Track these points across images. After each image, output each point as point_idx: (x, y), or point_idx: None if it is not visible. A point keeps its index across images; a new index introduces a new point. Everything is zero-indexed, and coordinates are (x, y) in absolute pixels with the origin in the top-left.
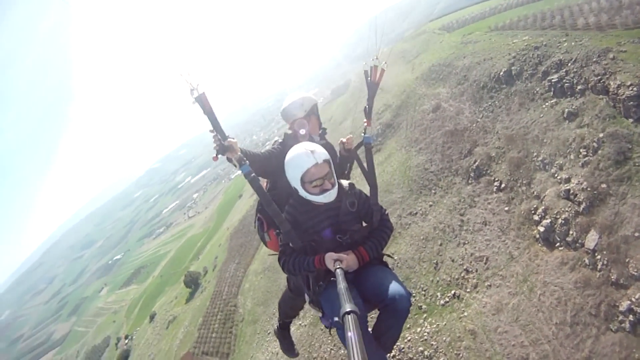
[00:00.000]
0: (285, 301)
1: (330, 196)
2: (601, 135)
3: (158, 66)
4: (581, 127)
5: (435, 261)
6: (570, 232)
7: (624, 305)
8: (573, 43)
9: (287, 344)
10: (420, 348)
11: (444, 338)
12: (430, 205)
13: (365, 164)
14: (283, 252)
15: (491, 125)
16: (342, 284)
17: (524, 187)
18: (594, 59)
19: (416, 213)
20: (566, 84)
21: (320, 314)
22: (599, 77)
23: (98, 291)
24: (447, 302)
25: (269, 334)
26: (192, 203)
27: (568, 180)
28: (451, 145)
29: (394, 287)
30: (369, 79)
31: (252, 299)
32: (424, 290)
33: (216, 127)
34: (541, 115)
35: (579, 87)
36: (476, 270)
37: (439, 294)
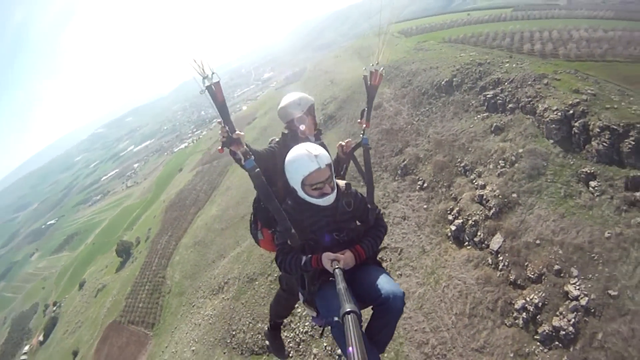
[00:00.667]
0: (278, 301)
1: (328, 200)
2: (521, 150)
3: (171, 51)
4: (504, 141)
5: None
6: (478, 234)
7: (519, 303)
8: (514, 65)
9: (277, 345)
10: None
11: None
12: None
13: (362, 165)
14: (280, 251)
15: (424, 129)
16: (341, 284)
17: (444, 189)
18: (529, 82)
19: None
20: (499, 101)
21: (314, 314)
22: (530, 99)
23: (29, 256)
24: None
25: (193, 306)
26: (132, 173)
27: (483, 187)
28: (385, 143)
29: (389, 287)
30: (369, 82)
31: (180, 271)
32: None
33: (226, 118)
34: (471, 126)
35: (510, 105)
36: (390, 260)
37: None
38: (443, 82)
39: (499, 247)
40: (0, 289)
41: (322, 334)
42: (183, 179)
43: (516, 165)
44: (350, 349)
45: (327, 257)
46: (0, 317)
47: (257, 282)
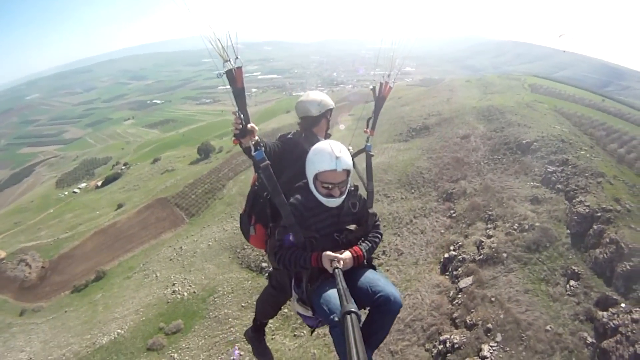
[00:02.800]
0: (266, 299)
1: (333, 203)
2: (537, 224)
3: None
4: (532, 212)
5: None
6: (459, 270)
7: (444, 337)
8: (588, 155)
9: (261, 348)
10: None
11: None
12: (402, 198)
13: (362, 170)
14: (281, 246)
15: (484, 172)
16: (341, 284)
17: (464, 225)
18: (586, 174)
19: (389, 196)
20: (553, 178)
21: (309, 313)
22: (576, 189)
23: (124, 119)
24: None
25: (231, 217)
26: (247, 94)
27: (489, 237)
28: (449, 168)
29: (388, 288)
30: (379, 93)
31: (239, 187)
32: None
33: (242, 107)
34: (519, 188)
35: (558, 186)
36: (389, 256)
37: None
38: (524, 142)
39: (464, 287)
40: (86, 134)
41: (312, 333)
42: (284, 119)
43: (524, 233)
44: (350, 349)
45: (327, 257)
46: (73, 154)
47: None
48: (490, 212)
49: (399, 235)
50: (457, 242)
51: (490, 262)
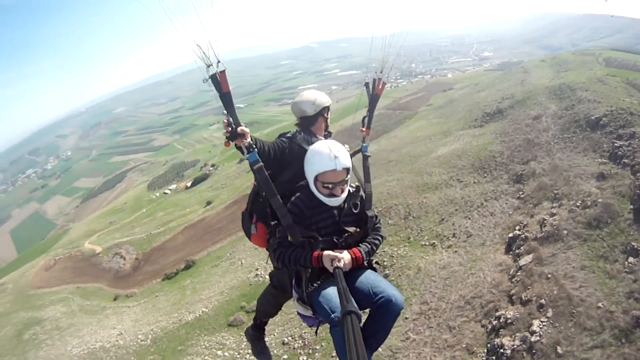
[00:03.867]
0: (268, 298)
1: (335, 202)
2: (600, 200)
3: (171, 30)
4: (596, 188)
5: (443, 217)
6: (521, 248)
7: (499, 313)
8: None
9: (260, 347)
10: (385, 260)
11: (402, 262)
12: (474, 182)
13: (361, 172)
14: (281, 244)
15: (554, 152)
16: (342, 284)
17: (531, 205)
18: None
19: (462, 181)
20: (619, 152)
21: (309, 313)
22: None
23: (209, 124)
24: (426, 244)
25: None
26: (327, 92)
27: (552, 215)
28: (520, 150)
29: (390, 289)
30: (372, 90)
31: None
32: (420, 230)
33: (230, 110)
34: (587, 165)
35: (624, 160)
36: (459, 238)
37: (426, 237)
38: (593, 118)
39: (523, 265)
40: (174, 140)
41: (316, 332)
42: (365, 114)
43: (586, 210)
44: (350, 349)
45: (327, 256)
46: (163, 160)
47: None
48: (556, 191)
49: (469, 219)
50: (523, 222)
51: (551, 239)
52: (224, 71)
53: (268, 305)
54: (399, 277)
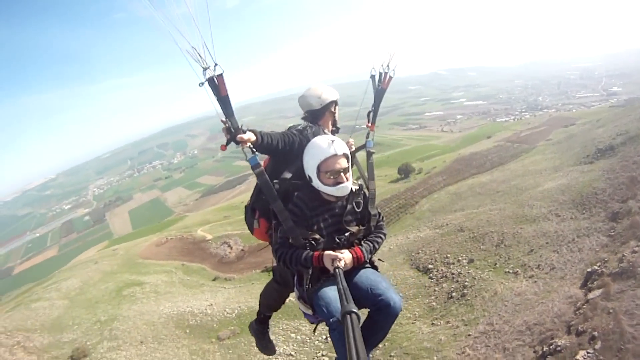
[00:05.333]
0: (270, 293)
1: (343, 190)
2: None
3: (161, 33)
4: None
5: (532, 248)
6: (594, 282)
7: (553, 341)
8: None
9: (265, 341)
10: (467, 280)
11: (482, 284)
12: (571, 218)
13: (363, 168)
14: (282, 244)
15: None
16: (342, 284)
17: (618, 244)
18: None
19: (559, 215)
20: None
21: (309, 311)
22: None
23: None
24: (509, 272)
25: (416, 228)
26: (452, 120)
27: (634, 252)
28: (622, 188)
29: (389, 293)
30: (378, 85)
31: (430, 205)
32: (508, 257)
33: (228, 114)
34: None
35: None
36: (542, 270)
37: (512, 265)
38: None
39: (591, 299)
40: None
41: (315, 330)
42: (484, 145)
43: None
44: (350, 349)
45: (328, 256)
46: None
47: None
48: None
49: (557, 252)
50: (605, 259)
51: (624, 276)
52: (221, 74)
53: (271, 299)
54: (475, 297)
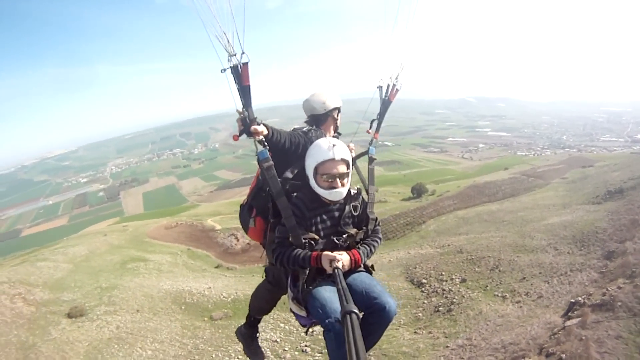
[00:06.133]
0: (262, 294)
1: (336, 195)
2: None
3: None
4: None
5: (525, 276)
6: (574, 312)
7: None
8: None
9: (253, 347)
10: (455, 298)
11: (469, 302)
12: (568, 252)
13: (364, 173)
14: (280, 244)
15: None
16: (341, 284)
17: (607, 280)
18: None
19: (557, 249)
20: None
21: (302, 313)
22: None
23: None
24: (497, 295)
25: (420, 246)
26: (473, 148)
27: (619, 288)
28: (622, 230)
29: (384, 296)
30: (385, 96)
31: (436, 226)
32: (500, 282)
33: (247, 105)
34: None
35: None
36: (529, 297)
37: (502, 289)
38: None
39: (567, 326)
40: None
41: (307, 332)
42: (500, 175)
43: None
44: (350, 350)
45: (326, 257)
46: None
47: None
48: (635, 269)
49: (547, 283)
50: (590, 292)
51: (604, 308)
52: (247, 63)
53: (262, 300)
54: (460, 313)
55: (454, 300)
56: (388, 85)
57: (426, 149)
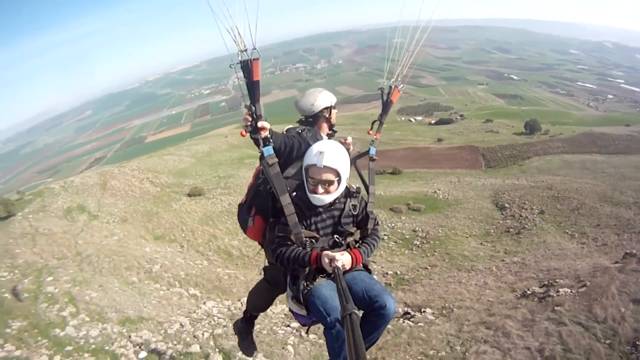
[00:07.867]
0: (260, 292)
1: (317, 200)
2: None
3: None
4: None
5: (599, 224)
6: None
7: None
8: None
9: (247, 342)
10: (527, 225)
11: (536, 230)
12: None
13: (363, 172)
14: (280, 243)
15: None
16: (342, 284)
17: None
18: None
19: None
20: None
21: (302, 312)
22: None
23: (478, 83)
24: (567, 233)
25: (516, 178)
26: (601, 98)
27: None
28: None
29: (384, 295)
30: (387, 97)
31: (539, 164)
32: (575, 222)
33: (256, 100)
34: None
35: None
36: (593, 239)
37: (573, 229)
38: None
39: (610, 268)
40: (439, 84)
41: (307, 332)
42: (619, 130)
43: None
44: (350, 350)
45: (326, 256)
46: (422, 96)
47: None
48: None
49: (618, 235)
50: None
51: None
52: (257, 59)
53: (260, 299)
54: (526, 238)
55: (526, 226)
56: (390, 87)
57: (553, 89)
